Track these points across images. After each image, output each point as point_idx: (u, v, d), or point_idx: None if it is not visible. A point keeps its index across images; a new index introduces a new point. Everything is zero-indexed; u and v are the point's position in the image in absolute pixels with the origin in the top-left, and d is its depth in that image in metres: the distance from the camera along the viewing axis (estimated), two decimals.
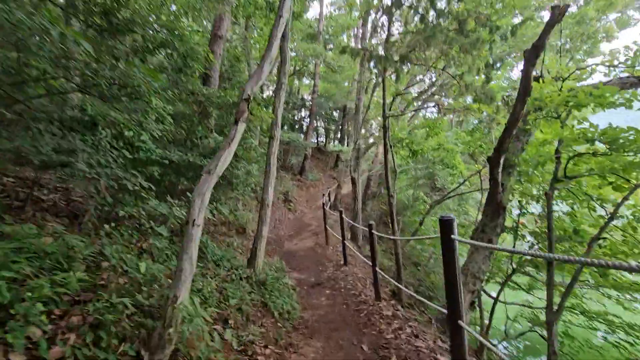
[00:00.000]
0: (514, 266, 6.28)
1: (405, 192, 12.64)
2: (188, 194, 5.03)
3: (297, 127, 21.95)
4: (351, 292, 5.15)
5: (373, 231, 4.67)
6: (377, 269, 4.59)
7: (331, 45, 21.65)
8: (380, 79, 8.18)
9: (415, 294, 4.03)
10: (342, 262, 6.96)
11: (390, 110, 7.70)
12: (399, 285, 4.82)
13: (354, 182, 10.46)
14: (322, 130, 28.45)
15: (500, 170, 4.77)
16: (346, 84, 22.38)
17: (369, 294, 5.05)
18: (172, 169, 5.02)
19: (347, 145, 16.78)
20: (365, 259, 5.72)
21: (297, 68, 21.81)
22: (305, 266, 7.12)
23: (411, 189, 13.05)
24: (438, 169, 9.28)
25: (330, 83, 22.77)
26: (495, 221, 5.02)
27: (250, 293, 4.15)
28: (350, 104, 20.98)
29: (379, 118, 10.73)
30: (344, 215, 6.68)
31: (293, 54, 18.28)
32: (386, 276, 4.94)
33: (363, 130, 12.08)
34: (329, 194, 10.80)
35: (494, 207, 5.01)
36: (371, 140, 15.53)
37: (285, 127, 18.19)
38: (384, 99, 6.13)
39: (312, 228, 11.56)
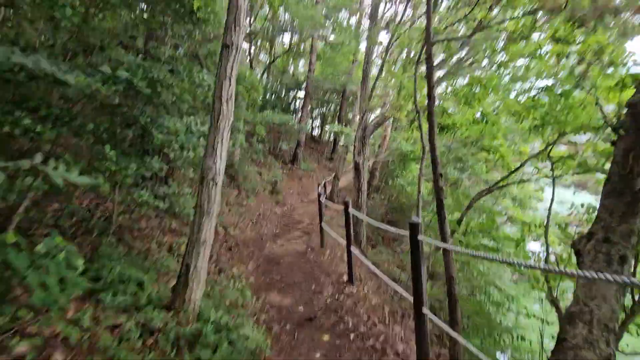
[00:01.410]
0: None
1: (413, 185, 10.46)
2: None
3: (291, 109, 19.49)
4: (368, 344, 2.93)
5: (421, 237, 2.46)
6: (426, 309, 2.38)
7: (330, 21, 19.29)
8: None
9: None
10: (345, 279, 4.73)
11: (419, 61, 5.45)
12: (456, 335, 2.61)
13: (357, 168, 8.24)
14: (317, 121, 26.15)
15: None
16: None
17: (400, 347, 2.83)
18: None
19: (348, 126, 14.49)
20: (381, 274, 3.52)
21: (293, 45, 19.40)
22: (291, 282, 4.87)
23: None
24: (469, 153, 7.19)
25: (328, 65, 20.41)
26: (631, 222, 2.84)
27: None
28: (351, 86, 18.66)
29: (390, 94, 8.49)
30: (351, 209, 4.44)
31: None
32: (433, 317, 2.72)
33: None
34: (324, 185, 8.58)
35: (629, 199, 2.83)
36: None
37: (276, 110, 15.85)
38: (428, 11, 3.89)
39: (304, 225, 9.32)
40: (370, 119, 8.23)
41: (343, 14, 21.12)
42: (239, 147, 11.61)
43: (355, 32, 17.50)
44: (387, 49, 7.20)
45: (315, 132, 25.77)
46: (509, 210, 7.51)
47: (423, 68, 5.80)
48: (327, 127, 19.86)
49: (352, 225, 4.51)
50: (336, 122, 16.99)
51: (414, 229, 2.52)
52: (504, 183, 6.08)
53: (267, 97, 19.19)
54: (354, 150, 8.28)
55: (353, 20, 20.96)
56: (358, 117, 14.78)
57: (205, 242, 2.45)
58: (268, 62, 17.95)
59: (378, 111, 9.84)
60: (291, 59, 21.48)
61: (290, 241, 7.69)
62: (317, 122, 26.10)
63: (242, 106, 7.93)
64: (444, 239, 3.95)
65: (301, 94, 20.90)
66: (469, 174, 8.35)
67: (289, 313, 3.75)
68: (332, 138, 26.23)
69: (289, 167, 15.62)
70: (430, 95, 4.00)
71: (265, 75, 18.57)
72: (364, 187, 8.33)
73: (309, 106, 16.91)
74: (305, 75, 19.23)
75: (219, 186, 2.43)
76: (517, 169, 5.81)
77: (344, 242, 6.11)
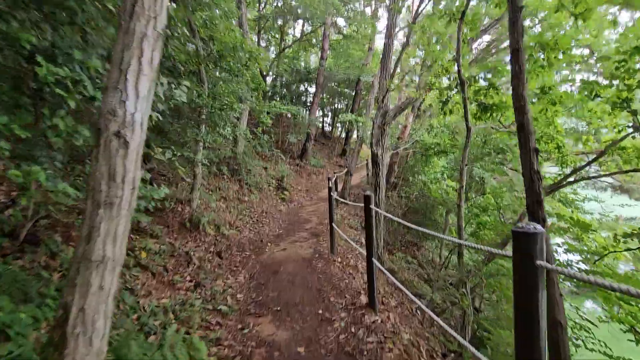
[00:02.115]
0: None
1: (439, 184, 9.12)
2: None
3: (301, 101, 18.22)
4: None
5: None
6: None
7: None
8: None
9: None
10: (364, 301, 3.50)
11: (464, 15, 4.15)
12: None
13: (375, 161, 6.99)
14: (328, 118, 24.82)
15: None
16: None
17: None
18: None
19: (363, 115, 13.13)
20: (418, 302, 2.29)
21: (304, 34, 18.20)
22: (291, 301, 3.67)
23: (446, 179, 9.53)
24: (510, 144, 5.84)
25: (341, 57, 19.10)
26: None
27: None
28: (365, 77, 17.37)
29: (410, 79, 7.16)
30: (374, 207, 3.20)
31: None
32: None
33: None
34: (335, 180, 7.37)
35: None
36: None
37: (285, 101, 14.70)
38: None
39: (311, 226, 8.12)
40: (390, 104, 6.96)
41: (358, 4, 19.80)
42: (243, 137, 10.54)
43: (370, 19, 16.22)
44: (416, 12, 5.91)
45: (327, 129, 24.54)
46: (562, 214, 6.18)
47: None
48: (339, 117, 18.45)
49: (374, 227, 3.28)
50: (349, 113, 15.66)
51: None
52: (573, 178, 4.72)
53: (275, 89, 18.08)
54: (371, 139, 7.03)
55: (368, 11, 19.63)
56: (374, 103, 13.41)
57: (104, 261, 1.26)
58: (278, 51, 16.79)
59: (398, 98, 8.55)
60: (302, 51, 20.27)
61: (294, 244, 6.50)
62: (328, 120, 24.85)
63: (241, 84, 6.77)
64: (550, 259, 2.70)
65: (311, 89, 19.70)
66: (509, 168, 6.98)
67: (282, 354, 2.55)
68: (343, 134, 25.01)
69: (297, 163, 14.45)
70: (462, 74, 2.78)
71: (274, 65, 17.47)
72: (382, 182, 7.07)
73: (320, 98, 15.68)
74: (317, 65, 18.04)
75: (134, 150, 1.26)
76: (594, 160, 4.45)
77: (359, 247, 4.90)
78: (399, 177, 10.47)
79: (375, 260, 3.23)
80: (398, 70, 6.96)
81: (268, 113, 12.67)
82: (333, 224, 5.56)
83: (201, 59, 5.48)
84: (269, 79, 18.34)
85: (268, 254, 5.83)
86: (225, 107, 5.08)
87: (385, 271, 3.19)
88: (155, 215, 4.53)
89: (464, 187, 4.37)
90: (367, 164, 15.94)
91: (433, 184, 8.86)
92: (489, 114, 4.89)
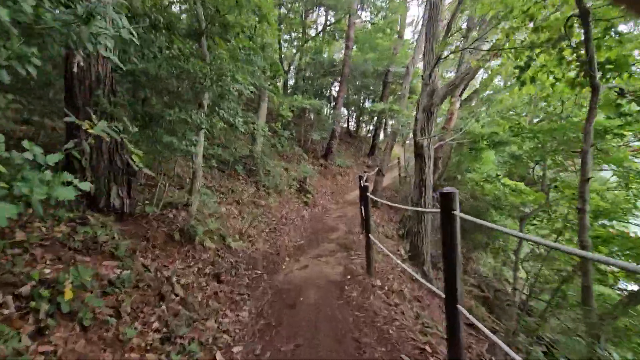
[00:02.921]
0: None
1: (495, 183, 7.38)
2: None
3: (325, 96, 16.78)
4: None
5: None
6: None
7: None
8: None
9: None
10: None
11: None
12: None
13: (420, 153, 5.49)
14: (351, 117, 23.21)
15: None
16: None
17: None
18: None
19: (398, 104, 11.46)
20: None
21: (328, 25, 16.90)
22: (314, 358, 2.31)
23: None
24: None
25: (367, 50, 17.54)
26: None
27: None
28: (395, 68, 15.77)
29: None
30: (459, 213, 1.79)
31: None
32: None
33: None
34: (365, 179, 5.96)
35: None
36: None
37: (307, 95, 13.43)
38: None
39: (339, 235, 6.73)
40: (439, 82, 5.41)
41: None
42: (261, 133, 9.36)
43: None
44: None
45: (351, 127, 23.01)
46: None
47: None
48: (371, 107, 16.85)
49: (456, 241, 1.83)
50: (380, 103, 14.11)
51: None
52: None
53: (298, 83, 16.89)
54: (415, 126, 5.54)
55: None
56: (407, 95, 11.75)
57: None
58: (300, 44, 15.61)
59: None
60: (325, 45, 18.91)
61: (318, 260, 5.12)
62: (352, 120, 23.31)
63: (255, 64, 5.52)
64: None
65: (334, 88, 18.22)
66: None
67: None
68: (369, 133, 23.35)
69: (321, 163, 13.13)
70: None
71: (296, 59, 16.29)
72: (430, 181, 5.54)
73: (346, 91, 14.26)
74: (342, 58, 16.65)
75: None
76: None
77: (407, 268, 3.44)
78: (442, 175, 8.81)
79: (461, 307, 1.79)
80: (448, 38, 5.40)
81: (291, 110, 11.47)
82: (370, 235, 4.13)
83: (202, 28, 4.31)
84: (290, 75, 17.21)
85: (285, 274, 4.50)
86: (224, 76, 3.82)
87: (485, 330, 1.73)
88: (128, 222, 3.33)
89: (588, 181, 2.80)
90: (398, 163, 14.31)
91: (488, 184, 7.17)
92: (608, 76, 3.28)
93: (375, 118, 17.74)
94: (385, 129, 20.98)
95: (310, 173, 10.82)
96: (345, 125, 21.28)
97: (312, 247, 5.91)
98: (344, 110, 18.51)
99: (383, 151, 11.46)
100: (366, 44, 17.52)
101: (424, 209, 5.77)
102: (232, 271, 4.12)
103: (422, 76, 5.50)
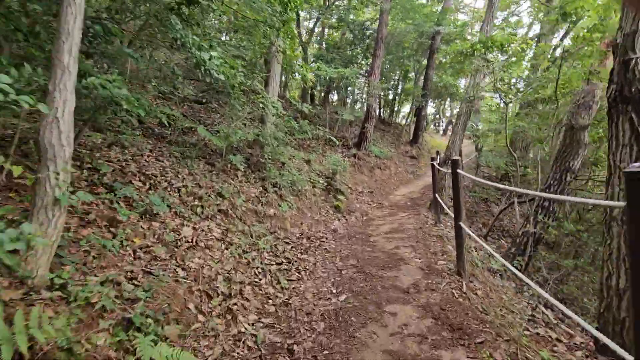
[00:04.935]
0: None
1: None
2: None
3: (356, 64, 13.35)
4: None
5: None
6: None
7: None
8: None
9: None
10: None
11: None
12: None
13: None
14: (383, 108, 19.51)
15: None
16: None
17: None
18: None
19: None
20: None
21: None
22: None
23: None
24: None
25: (405, 17, 13.94)
26: None
27: None
28: (444, 29, 12.23)
29: None
30: None
31: None
32: None
33: None
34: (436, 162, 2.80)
35: None
36: None
37: (333, 65, 10.27)
38: None
39: (415, 278, 3.52)
40: None
41: None
42: (272, 111, 6.36)
43: None
44: None
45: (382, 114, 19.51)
46: None
47: None
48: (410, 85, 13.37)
49: None
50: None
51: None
52: None
53: (321, 51, 13.69)
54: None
55: None
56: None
57: None
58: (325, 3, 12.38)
59: None
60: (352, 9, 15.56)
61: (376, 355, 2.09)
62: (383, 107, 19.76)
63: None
64: None
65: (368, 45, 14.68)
66: None
67: None
68: (403, 120, 19.70)
69: (354, 153, 9.99)
70: None
71: (317, 25, 13.18)
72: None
73: (381, 59, 10.92)
74: (376, 17, 13.30)
75: None
76: None
77: None
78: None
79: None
80: None
81: (313, 88, 8.41)
82: (461, 224, 1.27)
83: None
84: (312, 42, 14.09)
85: None
86: None
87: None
88: None
89: None
90: (436, 158, 10.70)
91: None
92: None
93: (417, 100, 14.17)
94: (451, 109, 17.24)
95: (341, 166, 7.76)
96: (378, 111, 17.82)
97: (360, 304, 2.85)
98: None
99: (453, 131, 8.13)
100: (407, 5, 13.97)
101: None
102: None
103: None
